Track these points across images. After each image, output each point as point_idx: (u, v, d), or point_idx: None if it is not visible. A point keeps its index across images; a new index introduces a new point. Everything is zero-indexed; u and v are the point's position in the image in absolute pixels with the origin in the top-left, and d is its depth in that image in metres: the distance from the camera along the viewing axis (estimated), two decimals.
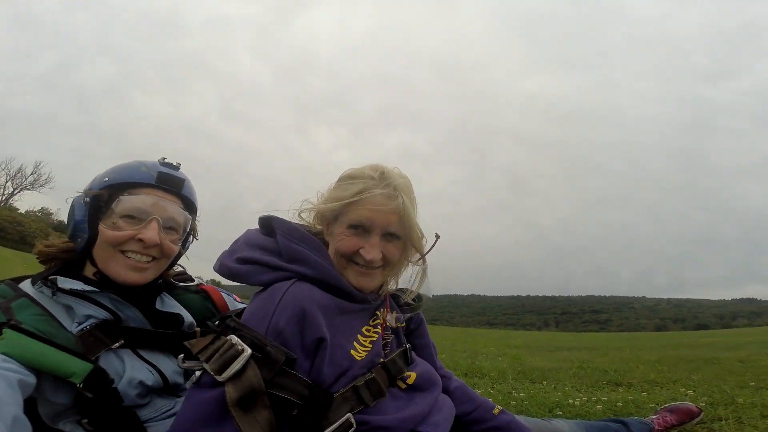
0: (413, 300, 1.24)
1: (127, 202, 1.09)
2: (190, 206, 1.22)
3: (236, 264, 1.09)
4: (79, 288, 1.05)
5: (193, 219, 1.24)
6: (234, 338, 0.92)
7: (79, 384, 0.90)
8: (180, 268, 1.35)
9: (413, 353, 1.23)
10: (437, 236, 1.15)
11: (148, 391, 1.04)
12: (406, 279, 1.21)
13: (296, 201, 1.20)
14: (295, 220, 1.19)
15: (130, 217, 1.09)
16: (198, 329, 1.20)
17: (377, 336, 1.12)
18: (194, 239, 1.30)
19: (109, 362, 0.99)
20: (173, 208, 1.15)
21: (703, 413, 1.89)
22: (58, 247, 1.14)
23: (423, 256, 1.16)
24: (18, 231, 30.29)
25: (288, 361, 0.92)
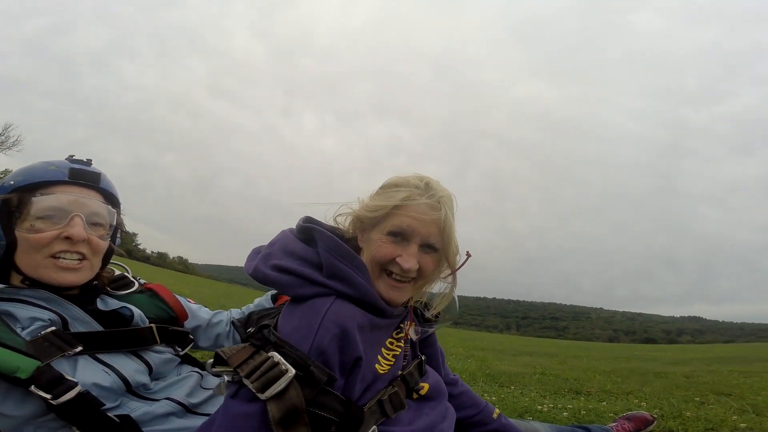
0: (433, 316, 1.25)
1: (42, 202, 1.05)
2: (111, 200, 1.18)
3: (272, 271, 1.06)
4: (9, 286, 1.03)
5: (118, 212, 1.20)
6: (276, 356, 0.91)
7: (29, 383, 0.87)
8: (118, 272, 1.30)
9: (425, 364, 1.27)
10: (468, 254, 1.14)
11: (111, 394, 1.00)
12: (431, 294, 1.21)
13: (331, 203, 1.16)
14: (329, 222, 1.18)
15: (49, 217, 1.05)
16: (153, 325, 1.18)
17: (400, 350, 1.14)
18: (123, 233, 1.25)
19: (58, 367, 0.95)
20: (94, 203, 1.12)
21: (656, 421, 2.11)
22: None
23: (453, 272, 1.15)
24: None
25: (328, 380, 0.93)
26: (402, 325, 1.18)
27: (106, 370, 1.02)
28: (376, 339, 1.08)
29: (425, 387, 1.21)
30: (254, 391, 0.87)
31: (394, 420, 1.06)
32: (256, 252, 1.18)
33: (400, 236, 1.06)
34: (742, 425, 2.11)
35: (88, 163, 1.17)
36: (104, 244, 1.14)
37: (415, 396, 1.18)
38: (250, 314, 1.18)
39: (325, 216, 1.19)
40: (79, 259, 1.08)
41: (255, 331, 1.04)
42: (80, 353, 1.00)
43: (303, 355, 0.91)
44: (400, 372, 1.13)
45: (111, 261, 1.24)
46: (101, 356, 1.05)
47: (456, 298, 1.21)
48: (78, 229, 1.05)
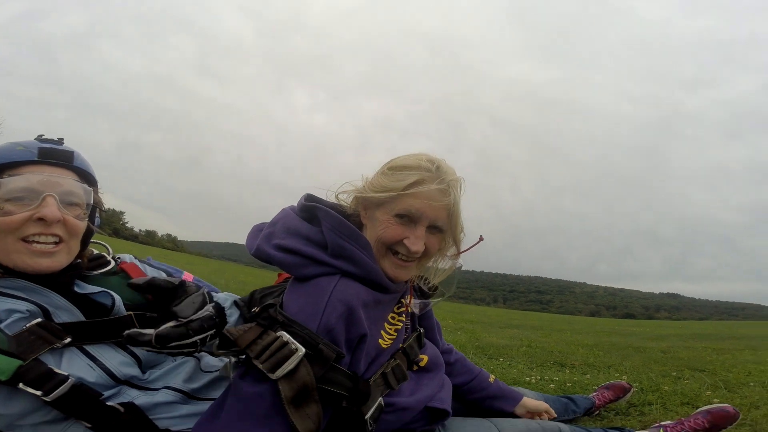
0: (430, 289, 1.31)
1: (11, 183, 0.97)
2: (87, 178, 1.11)
3: (276, 251, 1.07)
4: None
5: (95, 191, 1.13)
6: (285, 335, 0.93)
7: (16, 381, 0.85)
8: (96, 252, 1.24)
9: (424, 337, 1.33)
10: (481, 238, 1.16)
11: (98, 389, 0.97)
12: (432, 269, 1.24)
13: (334, 182, 1.17)
14: (330, 199, 1.19)
15: (19, 199, 0.98)
16: (132, 313, 1.10)
17: (401, 324, 1.18)
18: (102, 212, 1.18)
19: (44, 361, 0.91)
20: (67, 182, 1.04)
21: (633, 388, 2.26)
22: None
23: (459, 253, 1.18)
24: None
25: (337, 357, 0.95)
26: (403, 300, 1.21)
27: (91, 364, 0.99)
28: (380, 314, 1.11)
29: (424, 359, 1.27)
30: (264, 371, 0.89)
31: (397, 391, 1.12)
32: (257, 230, 1.17)
33: (408, 218, 1.07)
34: (716, 400, 2.26)
35: (60, 142, 1.09)
36: (81, 225, 1.06)
37: (414, 368, 1.24)
38: (253, 293, 1.19)
39: (326, 193, 1.19)
40: (55, 242, 1.01)
41: (260, 311, 1.05)
42: (68, 345, 0.97)
43: (312, 334, 0.93)
44: (401, 345, 1.18)
45: (91, 240, 1.18)
46: (88, 348, 1.01)
47: (455, 275, 1.25)
48: (51, 209, 0.98)
